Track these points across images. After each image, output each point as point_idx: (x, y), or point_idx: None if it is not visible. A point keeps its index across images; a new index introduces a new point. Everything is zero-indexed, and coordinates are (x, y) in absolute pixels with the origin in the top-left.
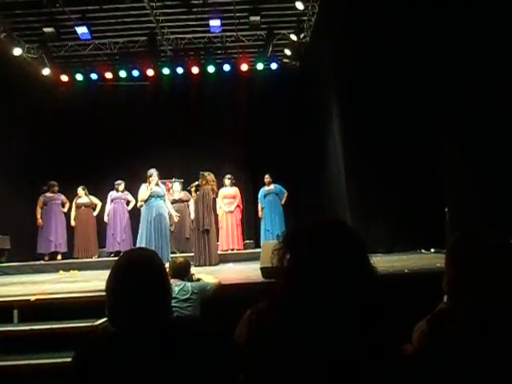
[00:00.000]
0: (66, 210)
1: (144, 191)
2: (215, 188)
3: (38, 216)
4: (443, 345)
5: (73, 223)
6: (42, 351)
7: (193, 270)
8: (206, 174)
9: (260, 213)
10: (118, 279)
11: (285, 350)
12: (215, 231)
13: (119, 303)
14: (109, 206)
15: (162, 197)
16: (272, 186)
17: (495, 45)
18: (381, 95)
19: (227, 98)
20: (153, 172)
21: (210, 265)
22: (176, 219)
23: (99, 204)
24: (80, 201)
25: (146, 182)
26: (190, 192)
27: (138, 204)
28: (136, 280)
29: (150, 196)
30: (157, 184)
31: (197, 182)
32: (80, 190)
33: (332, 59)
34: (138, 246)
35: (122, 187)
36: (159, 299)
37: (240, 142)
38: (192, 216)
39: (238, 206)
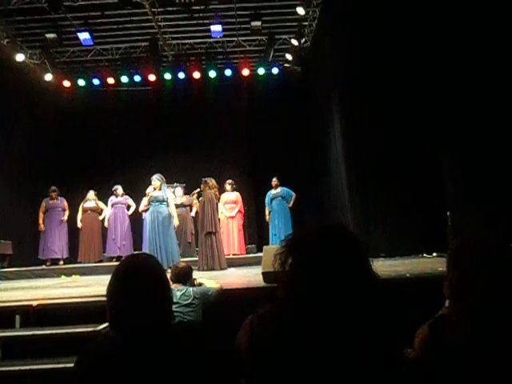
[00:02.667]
0: (65, 217)
1: (144, 198)
2: (217, 193)
3: (40, 221)
4: (445, 350)
5: (79, 225)
6: (44, 356)
7: (195, 274)
8: (207, 179)
9: (267, 217)
10: (118, 285)
11: (286, 356)
12: (220, 235)
13: (120, 308)
14: (109, 211)
15: (162, 201)
16: (279, 190)
17: (496, 46)
18: (382, 99)
19: (228, 102)
20: (153, 177)
21: (217, 269)
22: (175, 224)
23: (105, 209)
24: (87, 205)
25: (148, 186)
26: (198, 197)
27: (140, 209)
28: (136, 285)
29: (150, 202)
30: (160, 189)
31: (198, 189)
32: (91, 194)
33: (333, 63)
34: (142, 250)
35: (120, 191)
36: (159, 304)
37: (241, 147)
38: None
39: (239, 211)
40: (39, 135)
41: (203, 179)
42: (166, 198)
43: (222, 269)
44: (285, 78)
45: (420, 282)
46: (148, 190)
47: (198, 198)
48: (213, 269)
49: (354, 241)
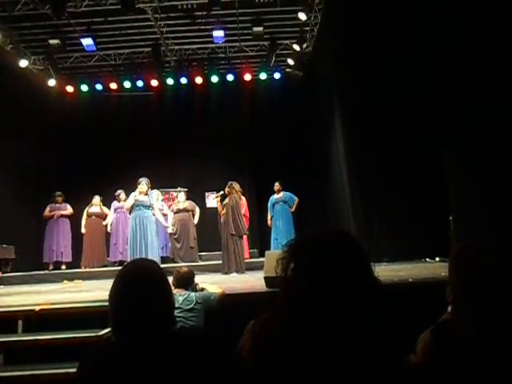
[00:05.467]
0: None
1: (129, 200)
2: (241, 196)
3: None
4: (447, 355)
5: (83, 230)
6: (46, 362)
7: (197, 279)
8: (233, 183)
9: (269, 221)
10: (120, 290)
11: (288, 361)
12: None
13: (121, 314)
14: (112, 216)
15: (147, 206)
16: (281, 194)
17: (496, 48)
18: (383, 103)
19: (231, 107)
20: (141, 180)
21: (242, 272)
22: (170, 230)
23: (109, 214)
24: (92, 210)
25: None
26: (222, 200)
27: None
28: (138, 291)
29: (134, 205)
30: (146, 193)
31: (222, 192)
32: (97, 199)
33: (334, 68)
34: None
35: (122, 196)
36: (161, 309)
37: (244, 151)
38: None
39: (244, 214)
40: (42, 140)
41: (229, 182)
42: (151, 203)
43: (244, 272)
44: (286, 82)
45: (422, 287)
46: (134, 194)
47: (221, 201)
48: (238, 271)
49: (355, 247)
